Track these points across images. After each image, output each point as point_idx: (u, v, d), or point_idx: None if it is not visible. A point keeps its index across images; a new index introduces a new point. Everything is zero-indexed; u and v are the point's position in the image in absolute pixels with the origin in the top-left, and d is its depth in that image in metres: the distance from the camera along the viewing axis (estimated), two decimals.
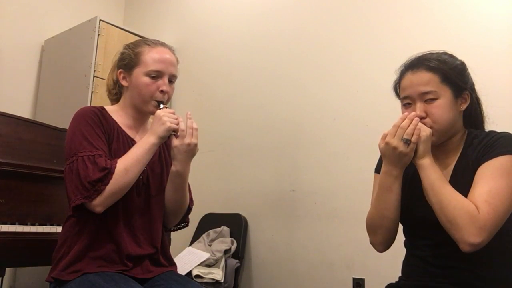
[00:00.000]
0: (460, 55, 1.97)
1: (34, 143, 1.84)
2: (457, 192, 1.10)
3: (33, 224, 1.71)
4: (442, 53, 1.25)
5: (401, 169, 1.20)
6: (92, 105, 2.48)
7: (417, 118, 1.16)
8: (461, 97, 1.22)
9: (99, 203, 1.22)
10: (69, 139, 1.30)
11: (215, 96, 2.93)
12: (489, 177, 1.10)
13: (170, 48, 1.45)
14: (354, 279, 2.17)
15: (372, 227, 1.29)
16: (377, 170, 1.37)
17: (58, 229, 1.68)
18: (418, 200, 1.22)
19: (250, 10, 2.86)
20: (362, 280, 2.15)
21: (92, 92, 2.73)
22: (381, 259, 1.99)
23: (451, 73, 1.20)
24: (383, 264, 2.01)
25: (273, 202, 2.53)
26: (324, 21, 2.50)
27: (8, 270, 2.63)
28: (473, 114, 1.28)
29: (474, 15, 2.01)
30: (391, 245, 1.30)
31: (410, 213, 1.26)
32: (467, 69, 1.26)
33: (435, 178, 1.13)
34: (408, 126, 1.15)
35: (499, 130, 1.84)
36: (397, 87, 1.29)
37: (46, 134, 1.89)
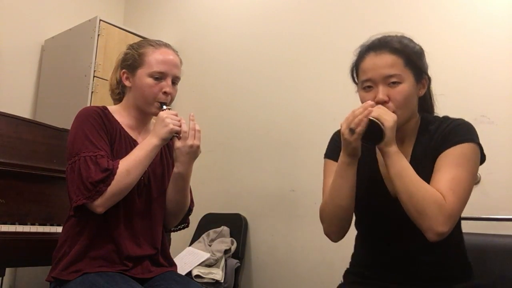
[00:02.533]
0: (459, 56, 1.98)
1: (34, 143, 1.84)
2: (423, 181, 1.09)
3: (33, 224, 1.71)
4: (401, 36, 1.21)
5: (349, 156, 1.16)
6: (92, 105, 2.48)
7: (370, 109, 1.11)
8: (421, 82, 1.19)
9: (100, 204, 1.22)
10: (71, 139, 1.30)
11: (215, 96, 2.93)
12: (450, 165, 1.10)
13: (174, 49, 1.45)
14: None
15: (325, 216, 1.25)
16: (326, 155, 1.36)
17: (58, 229, 1.68)
18: (377, 191, 1.20)
19: (249, 11, 2.87)
20: None
21: (92, 92, 2.73)
22: None
23: (414, 57, 1.17)
24: None
25: (273, 202, 2.53)
26: (324, 21, 2.50)
27: (8, 270, 2.63)
28: (426, 99, 1.26)
29: (474, 15, 2.00)
30: (344, 234, 1.26)
31: (368, 204, 1.24)
32: (425, 55, 1.23)
33: (401, 166, 1.10)
34: (359, 114, 1.11)
35: (498, 130, 1.86)
36: (355, 69, 1.24)
37: (46, 134, 1.89)
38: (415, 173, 1.10)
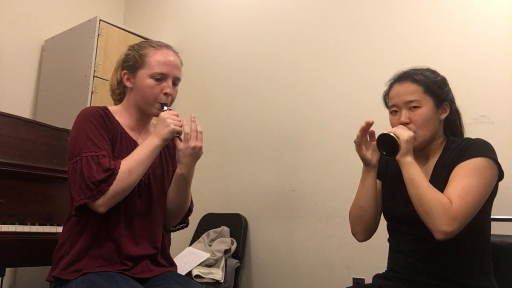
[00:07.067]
0: (459, 56, 1.98)
1: (34, 143, 1.83)
2: (433, 187, 1.22)
3: (33, 224, 1.70)
4: (425, 69, 1.38)
5: (365, 165, 1.40)
6: (92, 105, 2.49)
7: (363, 126, 1.35)
8: (441, 107, 1.35)
9: (102, 204, 1.22)
10: (73, 139, 1.30)
11: (214, 96, 2.93)
12: (463, 175, 1.22)
13: (175, 51, 1.45)
14: (354, 279, 2.17)
15: (351, 217, 1.45)
16: None
17: (58, 229, 1.68)
18: (400, 198, 1.33)
19: (249, 11, 2.87)
20: (362, 280, 2.15)
21: (92, 92, 2.74)
22: (381, 259, 1.98)
23: (433, 85, 1.33)
24: (383, 264, 2.01)
25: (273, 202, 2.53)
26: (323, 21, 2.50)
27: (8, 270, 2.63)
28: (452, 123, 1.41)
29: (474, 16, 2.01)
30: (370, 236, 1.45)
31: (393, 209, 1.40)
32: (448, 85, 1.39)
33: (415, 174, 1.24)
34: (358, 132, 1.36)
35: (498, 130, 1.87)
36: (386, 97, 1.43)
37: (46, 134, 1.89)
38: (426, 180, 1.24)
